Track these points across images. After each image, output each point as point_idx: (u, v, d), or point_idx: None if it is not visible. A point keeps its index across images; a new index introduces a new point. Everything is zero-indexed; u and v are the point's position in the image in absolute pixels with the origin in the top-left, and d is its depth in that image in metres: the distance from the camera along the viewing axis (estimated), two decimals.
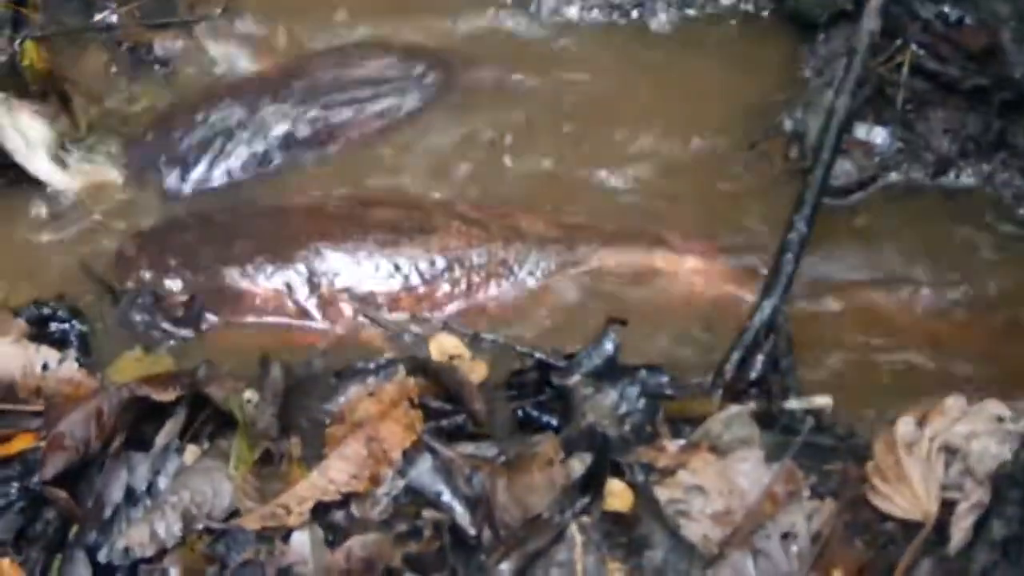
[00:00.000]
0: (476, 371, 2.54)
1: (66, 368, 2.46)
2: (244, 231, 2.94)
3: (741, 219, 2.96)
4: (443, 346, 2.63)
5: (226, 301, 2.81)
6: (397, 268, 2.85)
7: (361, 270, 2.84)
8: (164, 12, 3.26)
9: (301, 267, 2.82)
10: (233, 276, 2.83)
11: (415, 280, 2.84)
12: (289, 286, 2.81)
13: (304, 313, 2.80)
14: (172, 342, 2.74)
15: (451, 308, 2.83)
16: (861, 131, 3.04)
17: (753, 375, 2.61)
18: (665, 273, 2.88)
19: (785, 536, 2.22)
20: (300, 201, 3.03)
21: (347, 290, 2.82)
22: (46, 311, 2.66)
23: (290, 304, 2.80)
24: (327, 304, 2.81)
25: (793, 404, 2.52)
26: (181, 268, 2.83)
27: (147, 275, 2.82)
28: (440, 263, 2.86)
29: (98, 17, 3.22)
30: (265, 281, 2.82)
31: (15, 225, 2.93)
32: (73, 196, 2.99)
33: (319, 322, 2.79)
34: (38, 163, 2.98)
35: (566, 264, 2.89)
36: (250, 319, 2.80)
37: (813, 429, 2.41)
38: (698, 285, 2.87)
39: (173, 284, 2.80)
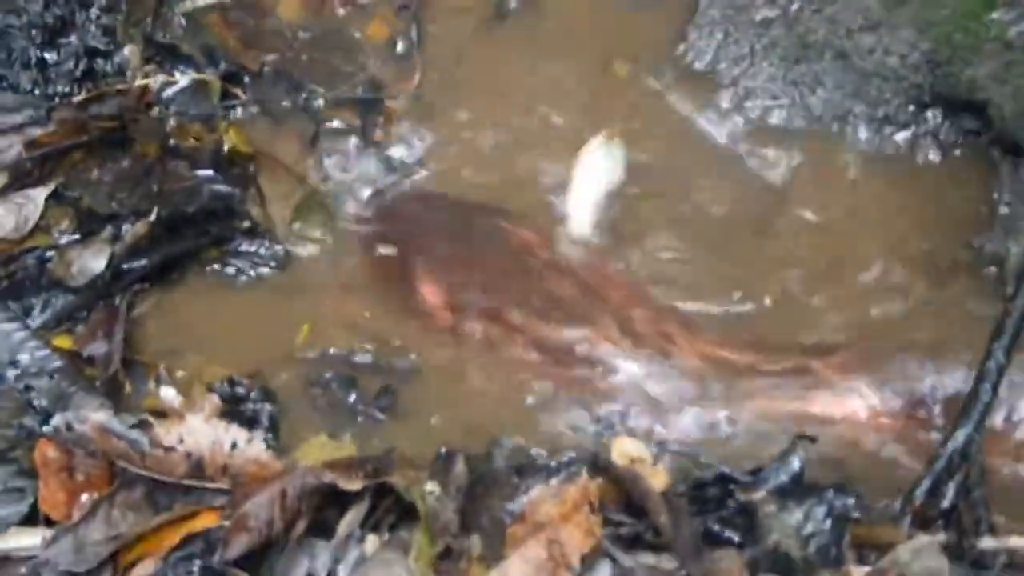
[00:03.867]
0: (657, 478, 2.52)
1: (254, 448, 2.48)
2: None
3: (937, 344, 2.87)
4: (626, 450, 2.61)
5: None
6: None
7: None
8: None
9: None
10: None
11: None
12: None
13: None
14: (361, 422, 2.74)
15: None
16: None
17: (944, 504, 2.53)
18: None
19: None
20: None
21: None
22: (239, 390, 2.70)
23: None
24: None
25: (987, 544, 2.43)
26: None
27: None
28: None
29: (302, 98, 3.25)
30: None
31: (212, 297, 2.95)
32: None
33: None
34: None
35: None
36: None
37: (1006, 566, 2.34)
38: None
39: None
